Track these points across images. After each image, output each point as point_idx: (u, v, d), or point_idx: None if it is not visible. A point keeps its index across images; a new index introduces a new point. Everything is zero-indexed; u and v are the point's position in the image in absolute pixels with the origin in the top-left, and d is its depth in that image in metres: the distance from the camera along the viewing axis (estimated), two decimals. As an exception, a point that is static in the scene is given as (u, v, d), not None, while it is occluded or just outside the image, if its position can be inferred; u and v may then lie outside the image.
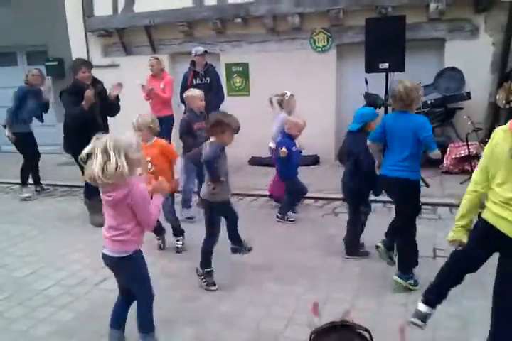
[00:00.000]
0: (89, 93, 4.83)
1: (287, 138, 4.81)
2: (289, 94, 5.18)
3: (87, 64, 5.12)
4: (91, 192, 4.80)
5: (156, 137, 4.11)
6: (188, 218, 5.12)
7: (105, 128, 5.16)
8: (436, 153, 3.24)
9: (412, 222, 3.38)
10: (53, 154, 8.82)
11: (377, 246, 3.64)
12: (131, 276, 2.61)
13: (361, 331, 1.20)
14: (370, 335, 1.19)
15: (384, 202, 5.02)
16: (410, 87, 3.19)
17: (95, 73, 5.23)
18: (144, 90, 6.52)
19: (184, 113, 5.21)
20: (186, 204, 5.27)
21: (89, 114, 4.88)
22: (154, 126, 4.03)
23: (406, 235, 3.38)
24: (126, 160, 2.28)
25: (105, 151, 2.25)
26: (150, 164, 3.96)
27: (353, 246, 3.99)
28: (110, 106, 5.17)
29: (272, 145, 5.28)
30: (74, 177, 5.96)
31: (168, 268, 3.95)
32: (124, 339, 2.78)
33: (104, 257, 2.57)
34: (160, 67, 6.77)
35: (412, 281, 3.34)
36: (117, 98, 5.19)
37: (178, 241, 4.37)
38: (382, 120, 3.50)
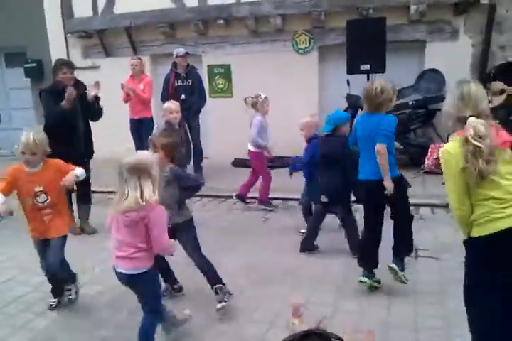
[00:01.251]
0: (70, 90, 4.58)
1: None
2: (263, 96, 5.14)
3: (68, 65, 4.89)
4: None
5: (45, 157, 3.18)
6: None
7: (87, 133, 5.01)
8: (378, 147, 3.07)
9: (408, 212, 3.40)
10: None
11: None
12: (145, 290, 2.59)
13: (334, 339, 1.18)
14: (344, 343, 1.18)
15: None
16: (381, 87, 3.12)
17: (75, 75, 4.99)
18: (124, 90, 6.41)
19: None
20: None
21: (69, 115, 4.63)
22: (47, 144, 3.14)
23: (409, 223, 3.37)
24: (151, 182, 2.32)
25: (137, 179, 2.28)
26: (44, 195, 3.10)
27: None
28: (92, 109, 4.93)
29: (251, 147, 5.22)
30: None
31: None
32: None
33: (120, 275, 2.53)
34: (141, 69, 6.69)
35: (404, 273, 3.29)
36: (97, 99, 4.95)
37: (68, 290, 3.42)
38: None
